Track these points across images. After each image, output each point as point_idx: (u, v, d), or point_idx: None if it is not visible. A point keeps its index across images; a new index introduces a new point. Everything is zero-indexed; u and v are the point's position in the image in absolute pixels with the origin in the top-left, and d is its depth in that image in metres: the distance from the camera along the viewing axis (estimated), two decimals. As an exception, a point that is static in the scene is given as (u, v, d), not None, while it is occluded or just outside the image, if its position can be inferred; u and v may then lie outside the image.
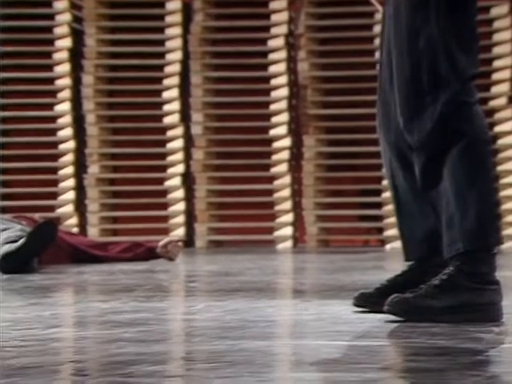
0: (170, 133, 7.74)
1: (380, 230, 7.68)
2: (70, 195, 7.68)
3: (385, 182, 7.52)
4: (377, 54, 7.59)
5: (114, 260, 5.81)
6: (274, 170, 7.66)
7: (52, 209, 7.50)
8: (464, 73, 2.96)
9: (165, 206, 7.69)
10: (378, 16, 7.65)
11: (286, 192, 7.63)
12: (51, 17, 7.75)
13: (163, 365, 2.26)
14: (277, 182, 7.65)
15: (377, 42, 7.61)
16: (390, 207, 7.50)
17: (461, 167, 2.92)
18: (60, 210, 7.49)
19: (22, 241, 5.13)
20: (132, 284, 4.41)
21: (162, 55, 7.82)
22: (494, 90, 7.13)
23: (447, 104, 2.93)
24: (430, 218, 3.07)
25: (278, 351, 2.49)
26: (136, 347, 2.59)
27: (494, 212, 2.96)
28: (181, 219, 7.66)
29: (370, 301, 3.09)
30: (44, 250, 5.23)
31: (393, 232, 7.50)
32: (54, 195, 7.68)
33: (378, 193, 7.60)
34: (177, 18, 7.82)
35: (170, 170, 7.72)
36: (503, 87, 7.40)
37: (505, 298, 2.96)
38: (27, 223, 5.59)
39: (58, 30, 7.76)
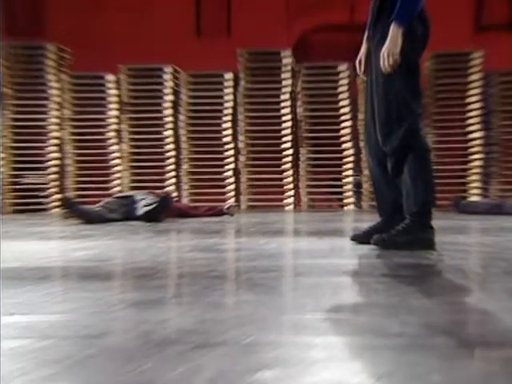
0: (226, 146, 7.71)
1: (340, 200, 7.66)
2: (173, 180, 7.67)
3: (344, 173, 7.51)
4: (340, 103, 7.55)
5: (201, 216, 5.82)
6: (283, 166, 7.63)
7: (163, 188, 7.46)
8: (415, 112, 2.96)
9: (224, 186, 7.67)
10: (340, 82, 7.61)
11: (290, 179, 7.61)
12: (162, 84, 7.71)
13: (263, 273, 2.26)
14: (285, 173, 7.62)
15: (340, 96, 7.57)
16: (346, 187, 7.48)
17: (414, 165, 2.92)
18: (167, 189, 7.46)
19: (155, 204, 5.15)
20: (218, 229, 4.40)
21: (221, 104, 7.77)
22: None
23: (406, 130, 2.93)
24: (393, 195, 3.07)
25: (320, 265, 2.49)
26: (241, 263, 2.59)
27: (432, 189, 2.96)
28: (233, 193, 7.65)
29: (361, 238, 3.10)
30: (167, 210, 5.24)
31: (348, 201, 7.49)
32: (164, 180, 7.66)
33: (340, 179, 7.57)
34: (230, 83, 7.77)
35: (226, 167, 7.69)
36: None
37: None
38: (154, 195, 5.61)
39: (165, 91, 7.72)
